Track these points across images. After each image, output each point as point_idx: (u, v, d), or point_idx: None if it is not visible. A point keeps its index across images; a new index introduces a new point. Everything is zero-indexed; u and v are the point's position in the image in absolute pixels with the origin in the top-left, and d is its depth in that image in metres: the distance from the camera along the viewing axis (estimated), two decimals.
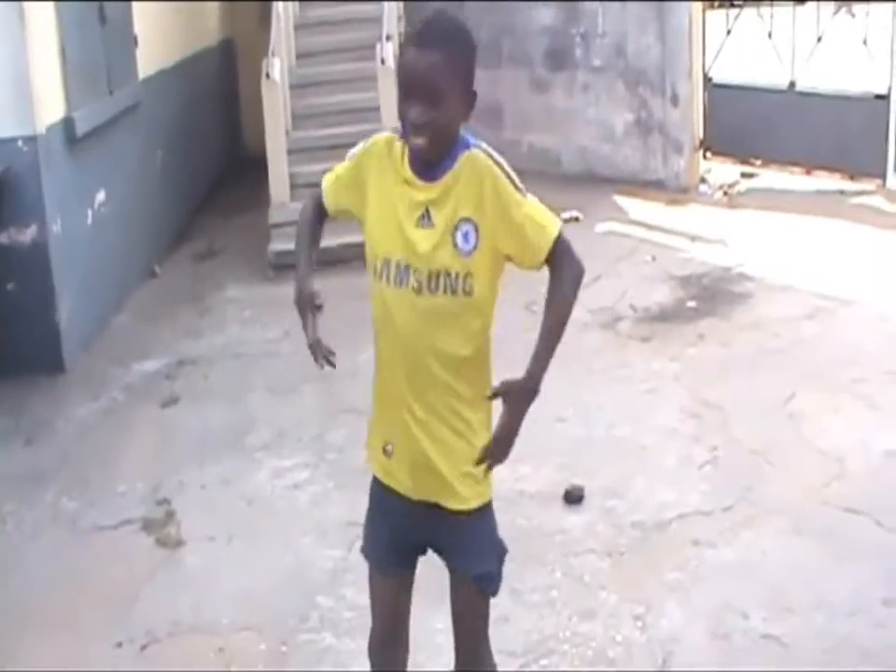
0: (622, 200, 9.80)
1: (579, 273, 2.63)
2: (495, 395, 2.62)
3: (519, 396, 2.60)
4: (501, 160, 2.63)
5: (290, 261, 9.20)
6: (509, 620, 3.91)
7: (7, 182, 6.30)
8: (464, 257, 2.58)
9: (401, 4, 10.34)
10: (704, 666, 3.70)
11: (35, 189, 6.40)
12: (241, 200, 10.42)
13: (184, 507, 5.00)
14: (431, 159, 2.58)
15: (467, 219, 2.58)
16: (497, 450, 2.65)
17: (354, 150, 2.78)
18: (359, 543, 4.40)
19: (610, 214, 9.34)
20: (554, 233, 2.59)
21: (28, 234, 6.44)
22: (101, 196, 7.50)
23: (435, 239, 2.59)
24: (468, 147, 2.61)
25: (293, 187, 8.92)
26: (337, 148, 9.29)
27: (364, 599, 4.12)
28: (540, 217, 2.60)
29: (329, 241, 9.21)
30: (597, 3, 10.50)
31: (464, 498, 2.72)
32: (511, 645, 3.78)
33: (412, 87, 2.50)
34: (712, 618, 3.94)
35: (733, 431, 5.33)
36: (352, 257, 8.40)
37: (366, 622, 3.99)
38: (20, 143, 6.32)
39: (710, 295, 7.25)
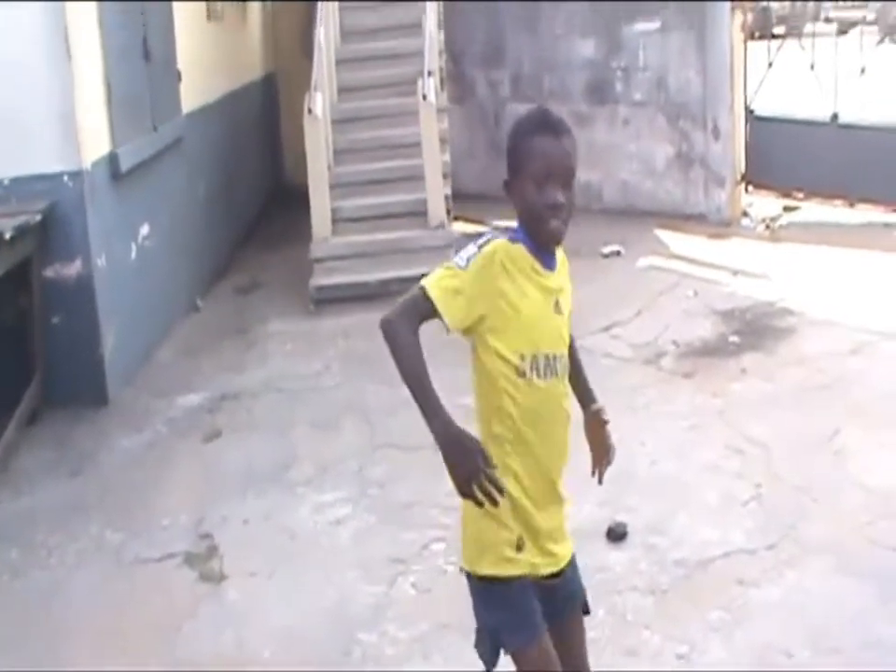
0: (663, 234, 9.78)
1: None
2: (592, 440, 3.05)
3: (602, 419, 3.05)
4: None
5: (331, 296, 9.21)
6: None
7: (53, 217, 6.38)
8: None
9: (443, 39, 10.41)
10: None
11: (81, 224, 6.48)
12: (283, 234, 10.50)
13: (226, 541, 5.01)
14: (560, 241, 2.77)
15: (570, 310, 2.88)
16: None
17: (465, 259, 2.67)
18: (401, 579, 4.50)
19: (652, 248, 9.32)
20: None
21: (73, 268, 6.52)
22: (145, 230, 7.59)
23: (565, 324, 2.85)
24: None
25: (335, 221, 8.98)
26: (379, 183, 9.47)
27: (406, 634, 4.16)
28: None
29: (367, 276, 9.29)
30: (638, 36, 10.53)
31: (571, 540, 2.94)
32: None
33: (555, 170, 2.68)
34: (756, 658, 3.89)
35: (777, 468, 5.27)
36: (392, 292, 8.46)
37: (407, 657, 4.02)
38: (65, 178, 6.41)
39: (753, 330, 7.21)
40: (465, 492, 2.60)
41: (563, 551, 2.86)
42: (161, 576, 4.81)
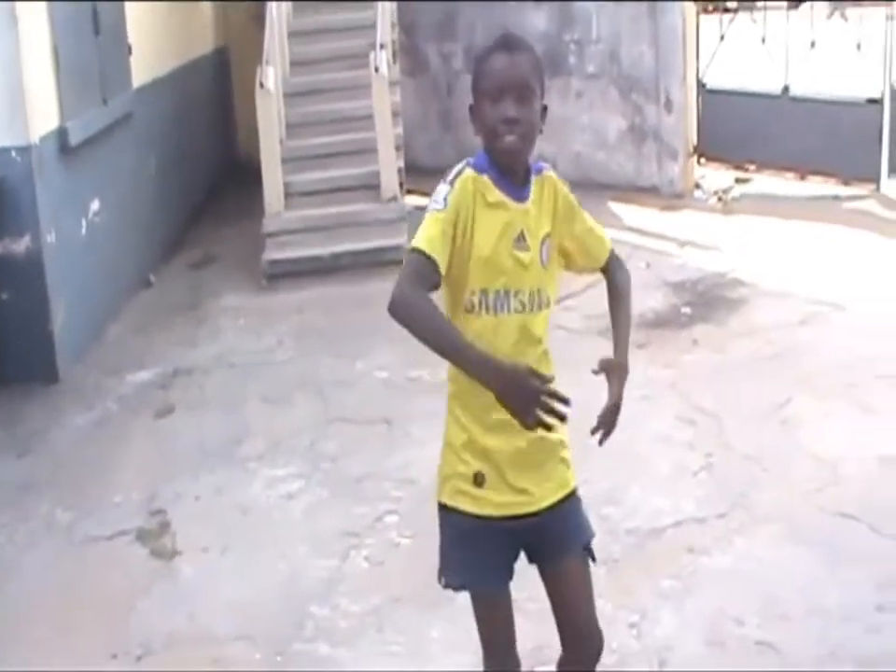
0: (616, 206, 9.80)
1: (629, 275, 3.01)
2: (600, 371, 2.85)
3: (620, 371, 2.88)
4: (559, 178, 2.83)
5: (284, 270, 9.17)
6: None
7: (1, 192, 6.30)
8: (545, 270, 2.76)
9: (395, 11, 10.36)
10: None
11: (29, 199, 6.40)
12: (235, 208, 10.43)
13: (179, 517, 4.99)
14: (517, 158, 2.68)
15: (547, 235, 2.76)
16: (611, 419, 2.81)
17: (442, 199, 2.62)
18: (354, 553, 4.51)
19: (605, 220, 9.15)
20: (610, 245, 2.93)
21: (22, 244, 6.44)
22: (95, 205, 7.51)
23: (530, 259, 2.71)
24: (540, 170, 2.78)
25: (288, 196, 8.93)
26: (331, 157, 9.41)
27: (358, 608, 4.17)
28: (598, 230, 2.89)
29: (320, 250, 9.27)
30: (592, 8, 10.51)
31: (566, 481, 2.85)
32: None
33: (506, 84, 2.63)
34: (707, 625, 3.94)
35: (727, 438, 5.32)
36: (345, 266, 8.44)
37: (360, 630, 4.04)
38: (13, 153, 6.32)
39: (705, 301, 7.26)
40: (530, 423, 2.48)
41: (542, 490, 2.76)
42: (112, 554, 4.78)
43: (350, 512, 4.85)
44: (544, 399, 2.47)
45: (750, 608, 4.01)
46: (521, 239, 2.70)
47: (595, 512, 4.64)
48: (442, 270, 2.57)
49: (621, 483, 4.94)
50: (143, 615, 4.30)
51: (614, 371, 2.86)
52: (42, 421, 6.08)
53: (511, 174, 2.70)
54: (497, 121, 2.63)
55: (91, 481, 5.42)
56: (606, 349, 6.71)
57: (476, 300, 2.68)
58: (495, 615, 2.87)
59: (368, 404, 5.97)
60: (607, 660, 3.76)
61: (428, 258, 2.54)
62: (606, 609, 4.02)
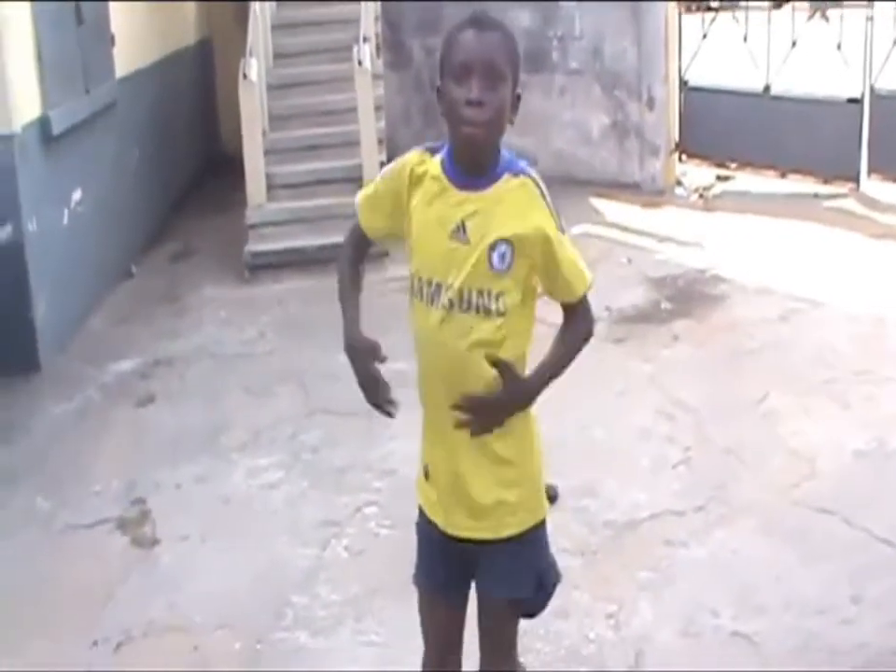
0: (598, 202, 9.83)
1: (591, 330, 2.76)
2: (495, 364, 2.54)
3: (516, 387, 2.59)
4: (545, 190, 2.58)
5: (266, 262, 9.15)
6: None
7: None
8: (499, 275, 2.52)
9: (379, 5, 10.37)
10: (675, 664, 3.73)
11: (11, 188, 6.38)
12: (218, 200, 10.41)
13: (159, 506, 5.00)
14: (481, 148, 2.49)
15: (505, 240, 2.51)
16: (479, 407, 2.56)
17: (386, 168, 2.65)
18: (334, 542, 4.54)
19: (587, 216, 9.36)
20: (587, 284, 2.65)
21: (3, 233, 6.42)
22: (77, 195, 7.49)
23: (467, 255, 2.50)
24: (516, 171, 2.55)
25: (270, 188, 8.93)
26: (314, 149, 9.40)
27: (338, 597, 4.20)
28: (578, 264, 2.63)
29: (301, 242, 9.23)
30: (574, 5, 10.54)
31: (495, 527, 2.67)
32: None
33: (472, 63, 2.43)
34: (683, 617, 3.97)
35: (706, 432, 5.36)
36: (327, 258, 8.45)
37: (339, 619, 4.07)
38: None
39: (685, 297, 7.29)
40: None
41: (472, 521, 2.65)
42: (92, 542, 4.78)
43: (330, 503, 4.88)
44: (370, 383, 2.68)
45: (726, 599, 4.05)
46: (460, 230, 2.51)
47: (572, 504, 4.72)
48: (369, 235, 2.74)
49: (599, 475, 4.98)
50: (122, 603, 4.31)
51: (512, 381, 2.58)
52: (22, 411, 6.07)
53: (470, 162, 2.52)
54: (460, 103, 2.43)
55: (71, 470, 5.42)
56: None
57: (416, 283, 2.58)
58: (432, 616, 2.86)
59: (349, 396, 5.93)
60: (584, 650, 3.83)
61: (357, 218, 2.73)
62: (583, 599, 4.08)
